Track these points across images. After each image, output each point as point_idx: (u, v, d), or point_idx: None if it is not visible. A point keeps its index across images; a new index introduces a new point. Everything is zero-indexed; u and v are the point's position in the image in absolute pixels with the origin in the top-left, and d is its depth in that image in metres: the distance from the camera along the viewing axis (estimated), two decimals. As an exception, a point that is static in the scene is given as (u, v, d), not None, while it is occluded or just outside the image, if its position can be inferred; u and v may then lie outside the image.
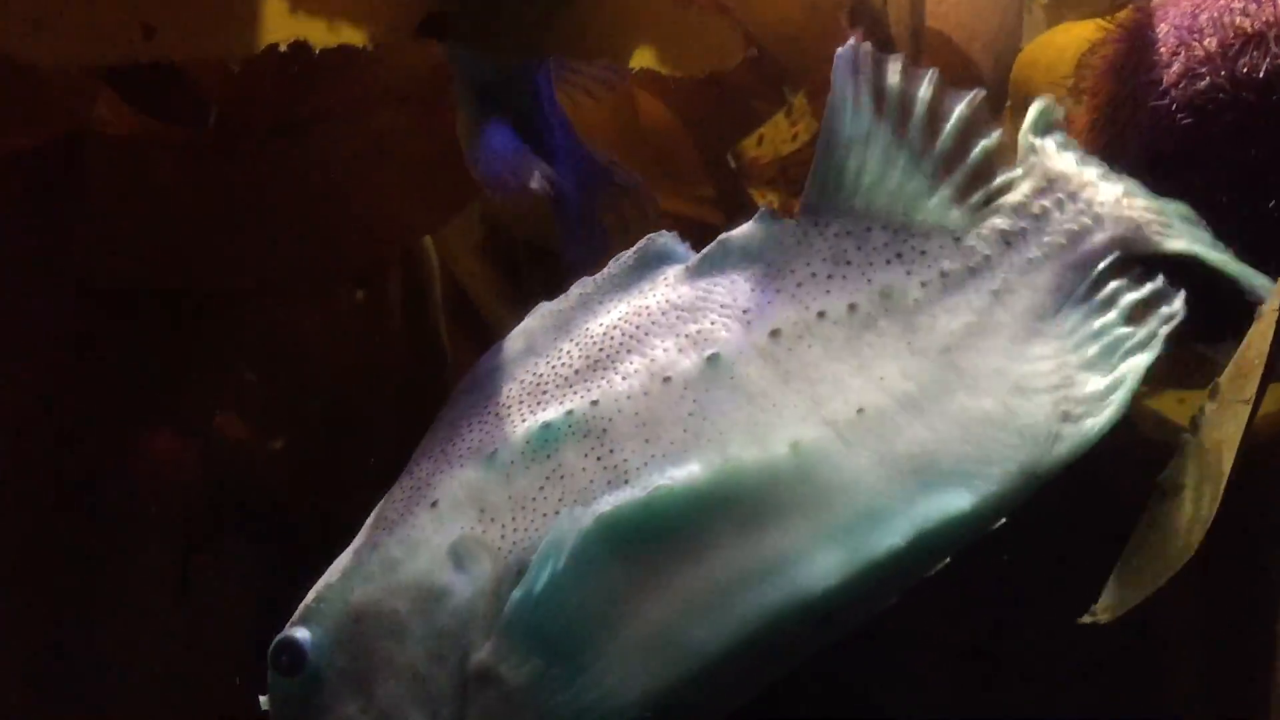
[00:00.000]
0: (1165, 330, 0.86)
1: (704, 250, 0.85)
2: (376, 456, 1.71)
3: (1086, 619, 0.85)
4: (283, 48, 0.77)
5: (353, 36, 0.78)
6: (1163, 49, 0.96)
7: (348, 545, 0.88)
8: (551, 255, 1.70)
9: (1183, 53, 0.95)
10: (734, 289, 0.80)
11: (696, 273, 0.83)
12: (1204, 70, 0.94)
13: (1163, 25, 0.97)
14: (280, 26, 0.78)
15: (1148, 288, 0.86)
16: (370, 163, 1.21)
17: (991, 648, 1.34)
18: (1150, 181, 0.95)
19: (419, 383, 1.71)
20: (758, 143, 1.36)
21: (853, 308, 0.81)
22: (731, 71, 1.34)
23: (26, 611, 1.39)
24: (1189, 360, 1.15)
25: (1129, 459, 1.19)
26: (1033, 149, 0.93)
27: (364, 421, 1.69)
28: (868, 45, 0.87)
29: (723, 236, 0.85)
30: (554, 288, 1.81)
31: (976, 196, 0.88)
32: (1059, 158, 0.93)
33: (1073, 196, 0.90)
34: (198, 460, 1.55)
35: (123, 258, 1.33)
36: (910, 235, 0.84)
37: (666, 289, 0.82)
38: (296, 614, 0.81)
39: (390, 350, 1.68)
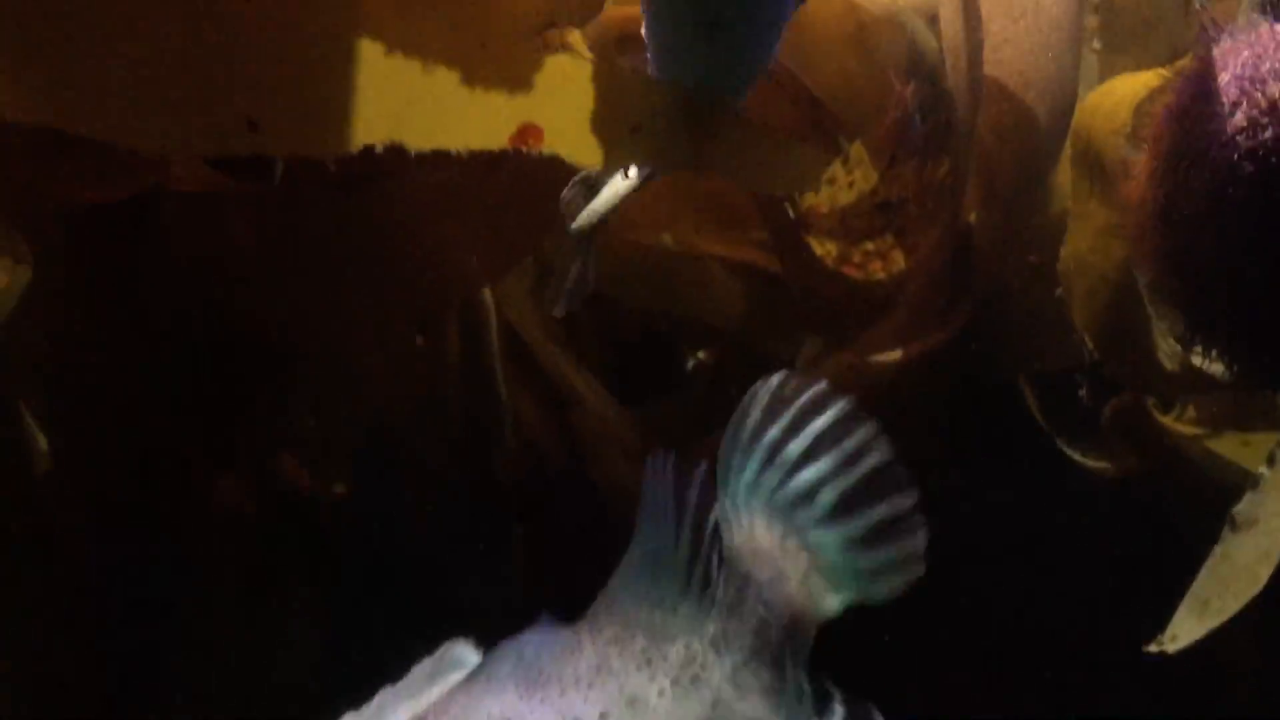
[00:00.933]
0: None
1: (486, 657, 0.86)
2: (434, 499, 1.73)
3: (1154, 648, 0.85)
4: (379, 149, 0.80)
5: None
6: (1225, 98, 0.96)
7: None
8: (612, 301, 1.72)
9: (1244, 102, 0.95)
10: (502, 699, 0.80)
11: (469, 683, 0.84)
12: (1267, 120, 0.94)
13: (1224, 74, 0.98)
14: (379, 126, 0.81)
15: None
16: (433, 216, 1.23)
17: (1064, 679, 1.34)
18: (1213, 233, 0.95)
19: (476, 425, 1.73)
20: (815, 191, 1.38)
21: (603, 716, 0.79)
22: (784, 115, 1.35)
23: (90, 654, 1.41)
24: (1253, 404, 1.15)
25: (1193, 498, 1.18)
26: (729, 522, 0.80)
27: (422, 464, 1.72)
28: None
29: (502, 643, 0.85)
30: (612, 336, 1.82)
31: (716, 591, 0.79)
32: (757, 531, 0.80)
33: (758, 581, 0.80)
34: (257, 504, 1.58)
35: (193, 308, 1.37)
36: (662, 640, 0.81)
37: (445, 699, 0.83)
38: None
39: (448, 392, 1.71)
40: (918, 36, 1.31)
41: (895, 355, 1.44)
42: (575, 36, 0.91)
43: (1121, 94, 1.07)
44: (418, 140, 0.82)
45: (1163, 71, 1.00)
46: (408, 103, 0.82)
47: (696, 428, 1.75)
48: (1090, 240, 1.09)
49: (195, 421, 1.47)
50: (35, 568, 1.43)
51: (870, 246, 1.36)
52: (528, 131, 0.83)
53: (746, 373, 1.92)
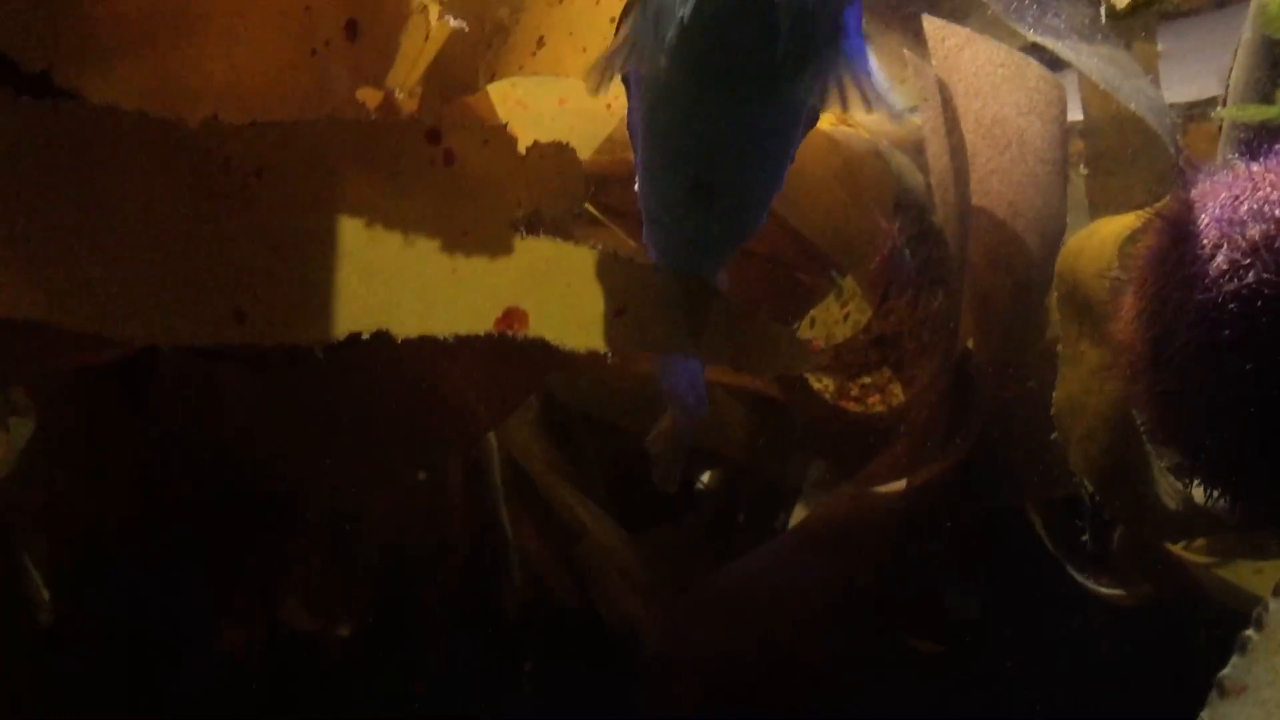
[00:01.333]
0: None
1: None
2: (441, 637, 1.71)
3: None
4: (365, 335, 0.81)
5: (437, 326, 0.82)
6: (1205, 240, 0.97)
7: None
8: (615, 430, 1.72)
9: (1225, 245, 0.96)
10: None
11: None
12: (1249, 262, 0.94)
13: (1204, 216, 0.98)
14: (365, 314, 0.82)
15: None
16: (434, 363, 1.24)
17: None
18: (1204, 374, 0.95)
19: (482, 561, 1.72)
20: (810, 325, 1.38)
21: None
22: (778, 247, 1.36)
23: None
24: (1264, 538, 1.13)
25: (1209, 626, 1.16)
26: None
27: (428, 603, 1.70)
28: None
29: None
30: (616, 463, 1.82)
31: None
32: None
33: None
34: (264, 648, 1.56)
35: (195, 457, 1.37)
36: None
37: None
38: None
39: (453, 530, 1.70)
40: (903, 171, 1.32)
41: (899, 486, 1.43)
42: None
43: (1105, 235, 1.08)
44: (404, 327, 0.83)
45: (1144, 213, 1.01)
46: (392, 290, 0.82)
47: (705, 554, 1.74)
48: (1084, 381, 1.09)
49: (199, 570, 1.46)
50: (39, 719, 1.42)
51: (867, 380, 1.36)
52: (512, 316, 0.84)
53: (753, 497, 1.91)
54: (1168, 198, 1.01)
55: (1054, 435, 1.14)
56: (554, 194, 0.84)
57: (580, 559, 1.67)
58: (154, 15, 0.81)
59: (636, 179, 0.94)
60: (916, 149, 1.33)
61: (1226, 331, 0.96)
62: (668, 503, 1.86)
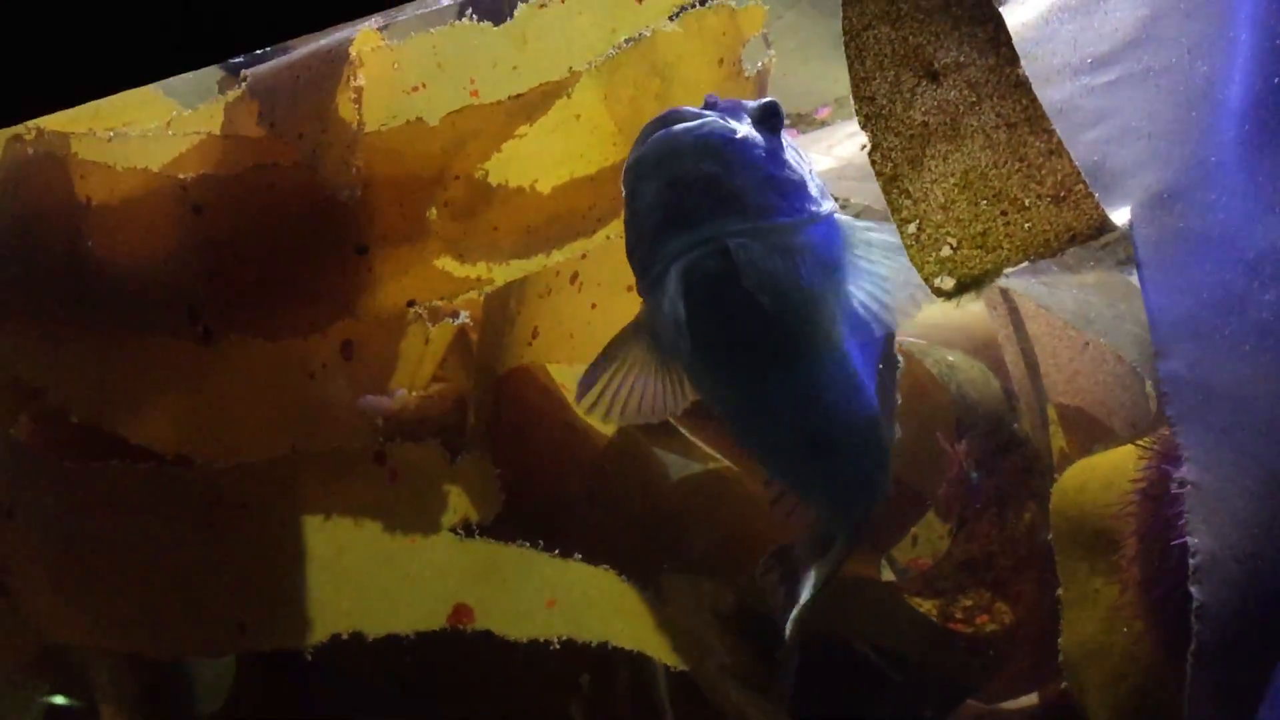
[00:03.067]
0: None
1: None
2: None
3: None
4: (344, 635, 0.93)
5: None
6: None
7: None
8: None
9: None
10: None
11: None
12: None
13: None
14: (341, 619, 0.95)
15: None
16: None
17: None
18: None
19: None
20: (912, 543, 1.35)
21: None
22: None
23: None
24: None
25: None
26: None
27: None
28: None
29: None
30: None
31: None
32: None
33: None
34: None
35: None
36: None
37: None
38: None
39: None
40: (972, 382, 1.28)
41: (1031, 701, 1.35)
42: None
43: (1105, 469, 1.00)
44: (372, 628, 0.94)
45: (1137, 447, 0.94)
46: (360, 596, 0.94)
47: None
48: (1099, 621, 1.00)
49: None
50: None
51: (968, 602, 1.30)
52: (461, 612, 0.92)
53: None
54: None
55: (1063, 685, 1.05)
56: (478, 499, 0.93)
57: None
58: (174, 365, 0.98)
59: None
60: (971, 342, 1.30)
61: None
62: (854, 701, 1.81)
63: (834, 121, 1.32)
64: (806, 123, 1.33)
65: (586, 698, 1.70)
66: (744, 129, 0.82)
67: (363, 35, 0.94)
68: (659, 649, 1.00)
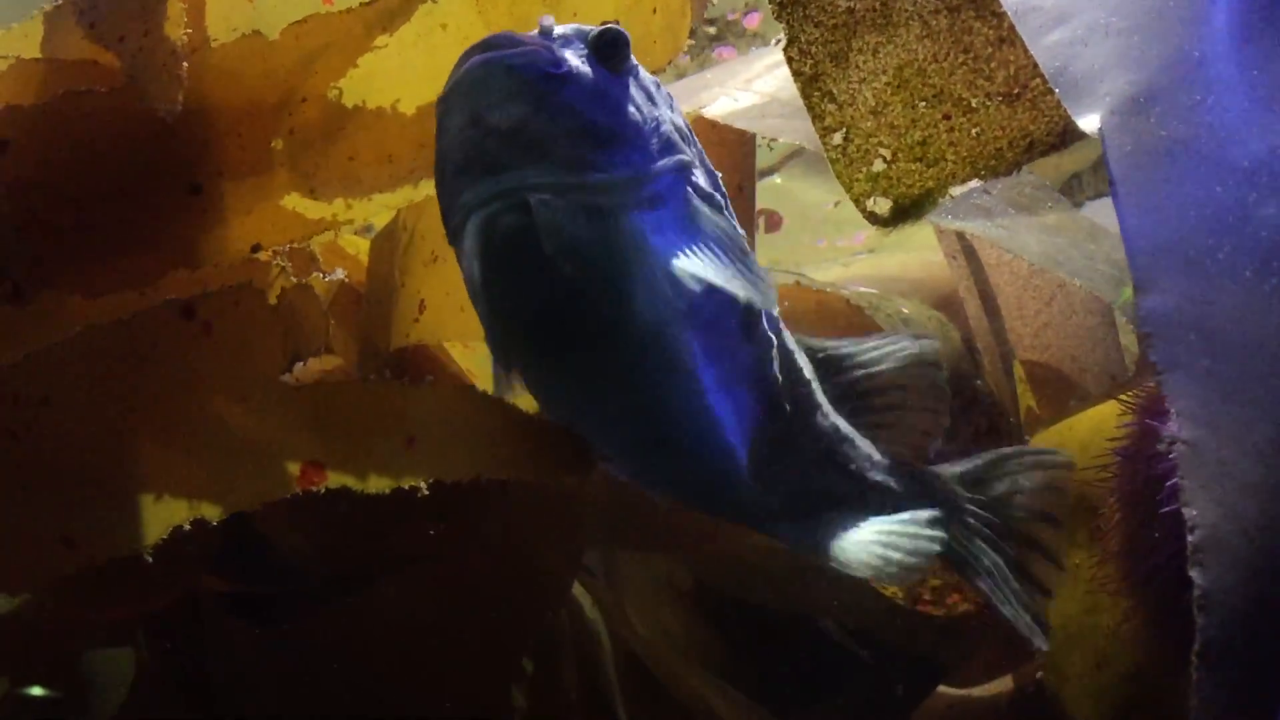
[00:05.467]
0: None
1: None
2: None
3: None
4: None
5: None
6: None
7: None
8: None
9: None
10: None
11: None
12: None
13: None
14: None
15: None
16: (449, 614, 1.18)
17: None
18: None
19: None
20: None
21: None
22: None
23: None
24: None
25: None
26: None
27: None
28: None
29: None
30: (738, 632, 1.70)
31: None
32: None
33: None
34: None
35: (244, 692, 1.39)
36: None
37: None
38: None
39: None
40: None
41: (1005, 686, 1.25)
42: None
43: (1083, 429, 0.88)
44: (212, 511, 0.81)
45: (1120, 404, 0.82)
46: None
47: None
48: (1079, 600, 0.88)
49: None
50: None
51: (936, 582, 1.20)
52: (310, 472, 0.79)
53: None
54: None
55: (1038, 675, 0.93)
56: (306, 336, 0.79)
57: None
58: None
59: None
60: (938, 302, 1.18)
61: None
62: (821, 682, 1.72)
63: (767, 34, 1.17)
64: (735, 34, 1.18)
65: (530, 682, 1.59)
66: (574, 62, 0.69)
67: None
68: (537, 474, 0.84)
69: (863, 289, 1.19)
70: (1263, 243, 0.56)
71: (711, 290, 0.70)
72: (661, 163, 0.70)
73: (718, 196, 0.74)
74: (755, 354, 0.77)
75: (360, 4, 0.75)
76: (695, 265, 0.69)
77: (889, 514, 0.79)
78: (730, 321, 0.75)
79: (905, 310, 1.20)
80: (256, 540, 1.23)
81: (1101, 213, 1.13)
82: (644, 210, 0.70)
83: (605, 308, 0.71)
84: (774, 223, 1.57)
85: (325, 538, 1.21)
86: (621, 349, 0.73)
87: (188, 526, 0.81)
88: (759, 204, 1.49)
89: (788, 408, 0.80)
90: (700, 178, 0.72)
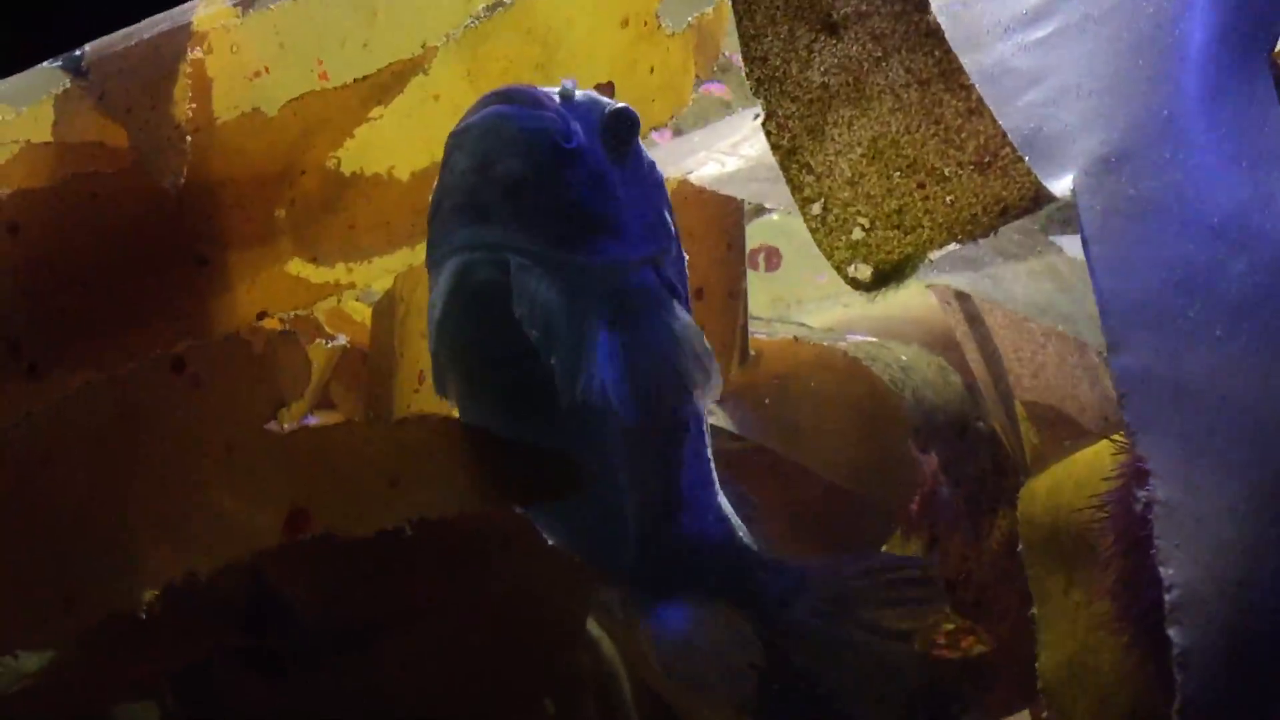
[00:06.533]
0: None
1: None
2: None
3: None
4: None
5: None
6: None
7: None
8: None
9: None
10: None
11: None
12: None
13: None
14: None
15: None
16: (462, 662, 1.18)
17: None
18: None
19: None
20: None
21: None
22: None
23: None
24: None
25: None
26: None
27: None
28: None
29: None
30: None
31: None
32: None
33: None
34: None
35: None
36: None
37: None
38: None
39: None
40: (923, 390, 1.17)
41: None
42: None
43: (1080, 468, 0.89)
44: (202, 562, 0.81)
45: (1112, 445, 0.83)
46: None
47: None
48: (1081, 639, 0.88)
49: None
50: None
51: (949, 627, 1.19)
52: (298, 519, 0.80)
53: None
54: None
55: (1043, 715, 0.93)
56: (290, 382, 0.80)
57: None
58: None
59: None
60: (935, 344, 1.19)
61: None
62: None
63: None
64: (722, 68, 1.18)
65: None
66: (583, 139, 0.72)
67: (213, 11, 0.83)
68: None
69: (860, 338, 1.19)
70: (1232, 300, 0.57)
71: (646, 398, 0.75)
72: (639, 256, 0.74)
73: (679, 288, 0.78)
74: (675, 451, 0.83)
75: (355, 79, 0.78)
76: (632, 386, 0.74)
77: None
78: (660, 420, 0.80)
79: (904, 358, 1.20)
80: (270, 595, 1.24)
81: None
82: (613, 298, 0.73)
83: (547, 377, 0.73)
84: (773, 263, 1.58)
85: (327, 588, 1.22)
86: (555, 412, 0.76)
87: (189, 580, 0.82)
88: (759, 240, 1.51)
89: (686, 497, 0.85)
90: (670, 268, 0.75)
